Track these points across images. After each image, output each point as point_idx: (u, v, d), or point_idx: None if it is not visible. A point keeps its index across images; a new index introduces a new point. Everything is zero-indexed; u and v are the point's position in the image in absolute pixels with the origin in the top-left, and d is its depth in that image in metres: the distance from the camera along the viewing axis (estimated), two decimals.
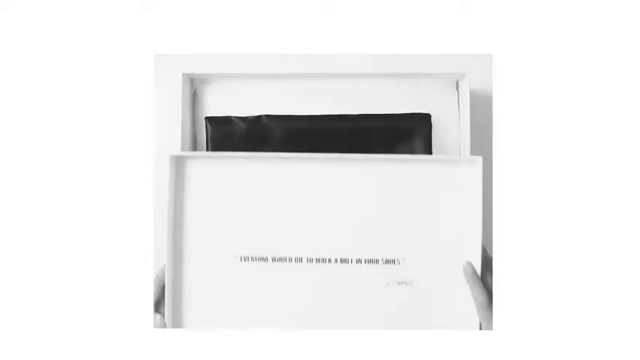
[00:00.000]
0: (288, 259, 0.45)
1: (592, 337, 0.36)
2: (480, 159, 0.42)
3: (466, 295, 0.43)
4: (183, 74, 0.49)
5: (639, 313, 0.36)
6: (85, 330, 0.38)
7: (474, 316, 0.42)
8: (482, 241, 0.42)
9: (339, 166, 0.44)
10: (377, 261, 0.44)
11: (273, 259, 0.45)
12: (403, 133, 0.49)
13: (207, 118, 0.51)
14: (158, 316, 0.43)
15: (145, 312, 0.39)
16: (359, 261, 0.44)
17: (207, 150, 0.50)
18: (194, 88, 0.52)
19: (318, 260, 0.44)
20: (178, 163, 0.45)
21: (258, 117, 0.50)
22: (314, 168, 0.44)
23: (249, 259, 0.45)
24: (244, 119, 0.50)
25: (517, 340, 0.37)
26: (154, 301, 0.43)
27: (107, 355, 0.38)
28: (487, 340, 0.39)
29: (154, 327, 0.42)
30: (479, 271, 0.42)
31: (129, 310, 0.38)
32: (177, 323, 0.44)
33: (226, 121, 0.50)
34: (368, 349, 0.40)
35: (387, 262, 0.44)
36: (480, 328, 0.42)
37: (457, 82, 0.51)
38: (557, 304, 0.37)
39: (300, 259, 0.45)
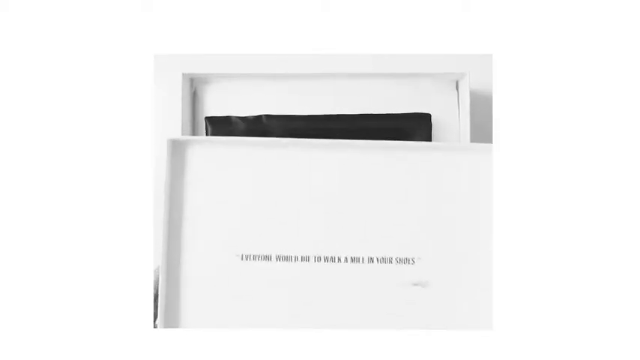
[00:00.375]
0: (293, 258, 0.41)
1: (595, 340, 0.36)
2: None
3: (486, 295, 0.40)
4: (183, 74, 0.50)
5: None
6: (82, 328, 0.38)
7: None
8: None
9: (349, 154, 0.41)
10: (390, 260, 0.41)
11: (278, 258, 0.41)
12: (403, 133, 0.49)
13: (207, 118, 0.51)
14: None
15: (144, 308, 0.39)
16: (371, 260, 0.41)
17: None
18: (194, 88, 0.52)
19: (326, 259, 0.41)
20: (176, 148, 0.41)
21: (258, 117, 0.50)
22: (322, 158, 0.41)
23: (251, 257, 0.41)
24: (244, 119, 0.50)
25: (517, 339, 0.37)
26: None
27: (104, 353, 0.38)
28: (487, 340, 0.39)
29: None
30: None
31: (127, 306, 0.38)
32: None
33: (226, 121, 0.50)
34: (368, 349, 0.40)
35: (400, 261, 0.41)
36: None
37: (457, 82, 0.51)
38: (557, 304, 0.37)
39: (307, 258, 0.41)
